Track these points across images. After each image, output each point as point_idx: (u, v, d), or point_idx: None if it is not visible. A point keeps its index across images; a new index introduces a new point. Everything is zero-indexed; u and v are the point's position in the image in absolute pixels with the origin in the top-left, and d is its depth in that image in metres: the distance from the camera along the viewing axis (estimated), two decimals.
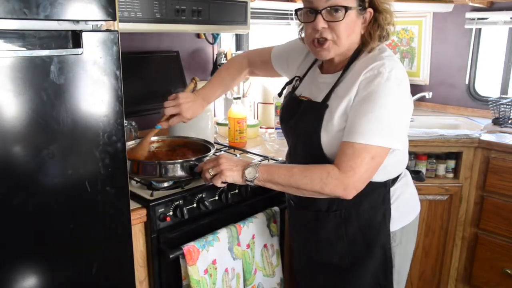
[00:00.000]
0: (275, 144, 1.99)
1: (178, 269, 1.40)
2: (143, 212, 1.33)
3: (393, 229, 1.30)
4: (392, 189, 1.29)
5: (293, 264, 1.59)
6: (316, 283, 1.44)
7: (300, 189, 1.18)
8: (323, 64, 1.32)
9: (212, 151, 1.54)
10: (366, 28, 1.20)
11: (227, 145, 2.00)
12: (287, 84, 1.43)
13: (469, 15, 2.66)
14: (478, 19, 2.65)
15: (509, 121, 2.44)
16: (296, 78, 1.39)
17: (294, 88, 1.37)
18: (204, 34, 2.22)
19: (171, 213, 1.40)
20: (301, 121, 1.27)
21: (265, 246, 1.64)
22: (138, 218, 1.31)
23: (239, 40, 2.50)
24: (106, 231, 1.19)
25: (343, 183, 1.12)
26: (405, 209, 1.34)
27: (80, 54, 1.03)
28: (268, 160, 1.76)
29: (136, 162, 1.42)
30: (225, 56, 2.24)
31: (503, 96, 2.66)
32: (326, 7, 1.14)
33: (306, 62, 1.40)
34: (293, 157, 1.36)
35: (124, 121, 1.16)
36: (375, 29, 1.19)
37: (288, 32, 2.87)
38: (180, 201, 1.42)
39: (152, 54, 2.06)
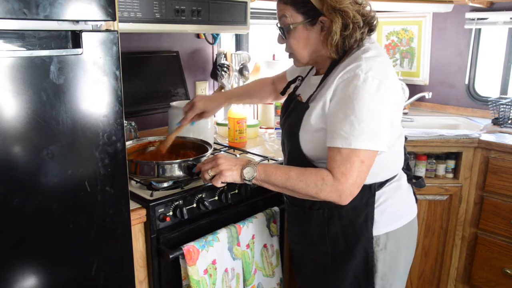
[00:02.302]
0: (274, 144, 1.99)
1: (178, 269, 1.40)
2: (143, 212, 1.33)
3: (376, 233, 1.27)
4: (378, 193, 1.26)
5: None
6: (306, 278, 1.47)
7: (295, 192, 1.19)
8: (318, 67, 1.35)
9: (210, 151, 1.54)
10: (326, 34, 1.19)
11: (227, 145, 2.00)
12: (290, 83, 1.46)
13: (469, 15, 2.66)
14: (478, 19, 2.65)
15: (509, 121, 2.44)
16: (299, 77, 1.41)
17: (295, 88, 1.40)
18: (204, 34, 2.22)
19: (170, 213, 1.40)
20: (288, 120, 1.32)
21: (264, 246, 1.64)
22: (137, 218, 1.31)
23: (239, 40, 2.50)
24: (105, 231, 1.19)
25: (337, 190, 1.12)
26: (392, 214, 1.30)
27: (80, 54, 1.03)
28: (268, 160, 1.76)
29: (134, 163, 1.42)
30: (225, 56, 2.24)
31: (503, 96, 2.66)
32: (277, 26, 1.27)
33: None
34: (283, 154, 1.41)
35: (124, 121, 1.16)
36: (331, 36, 1.17)
37: None
38: (180, 201, 1.42)
39: (152, 54, 2.06)
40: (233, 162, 1.24)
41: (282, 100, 1.51)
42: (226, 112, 2.16)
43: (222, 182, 1.23)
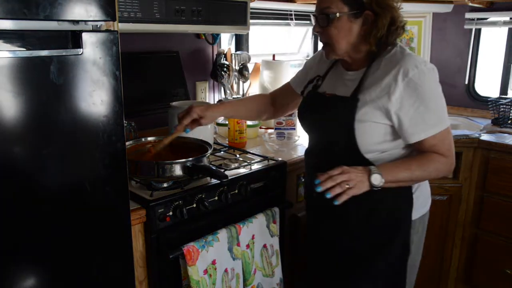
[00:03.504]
0: (274, 145, 1.99)
1: (177, 269, 1.40)
2: (143, 212, 1.33)
3: (413, 217, 1.36)
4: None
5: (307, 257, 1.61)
6: (329, 272, 1.47)
7: (417, 182, 1.31)
8: (344, 63, 1.36)
9: (210, 151, 1.54)
10: (367, 29, 1.24)
11: (227, 145, 2.00)
12: (309, 83, 1.46)
13: (469, 15, 2.67)
14: (478, 19, 2.65)
15: (509, 121, 2.44)
16: (317, 77, 1.43)
17: (316, 87, 1.42)
18: (204, 34, 2.22)
19: (170, 213, 1.40)
20: (332, 115, 1.32)
21: (264, 246, 1.64)
22: (137, 218, 1.31)
23: (239, 41, 2.50)
24: (105, 231, 1.19)
25: (449, 165, 1.28)
26: (424, 198, 1.41)
27: (80, 54, 1.03)
28: (268, 161, 1.76)
29: (134, 163, 1.42)
30: (225, 56, 2.24)
31: (503, 96, 2.66)
32: (317, 14, 1.26)
33: (323, 63, 1.45)
34: (319, 150, 1.41)
35: (124, 121, 1.16)
36: (376, 31, 1.23)
37: (288, 33, 2.88)
38: (180, 201, 1.42)
39: (152, 55, 2.06)
40: (359, 172, 1.21)
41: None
42: None
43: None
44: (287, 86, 1.64)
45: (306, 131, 1.48)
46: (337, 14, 1.22)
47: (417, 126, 1.23)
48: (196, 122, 1.47)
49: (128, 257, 1.26)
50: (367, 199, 1.28)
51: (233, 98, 2.27)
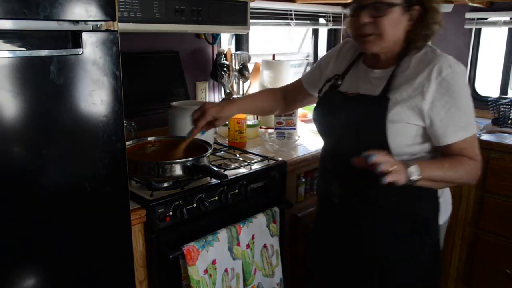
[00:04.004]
0: (275, 144, 1.99)
1: (178, 269, 1.40)
2: (143, 212, 1.33)
3: (440, 223, 1.34)
4: None
5: (316, 267, 1.55)
6: (349, 282, 1.41)
7: (448, 183, 1.26)
8: (369, 60, 1.32)
9: (210, 151, 1.54)
10: (412, 25, 1.22)
11: (227, 145, 2.00)
12: (327, 82, 1.40)
13: (469, 15, 2.67)
14: (478, 19, 2.65)
15: (509, 121, 2.44)
16: (336, 76, 1.37)
17: (335, 86, 1.36)
18: (204, 34, 2.22)
19: (171, 213, 1.40)
20: (360, 116, 1.26)
21: (264, 246, 1.64)
22: (137, 218, 1.31)
23: (239, 40, 2.50)
24: (105, 231, 1.19)
25: (478, 169, 1.24)
26: (446, 205, 1.38)
27: (80, 54, 1.03)
28: (268, 161, 1.76)
29: (134, 163, 1.42)
30: (225, 56, 2.24)
31: (503, 96, 2.66)
32: (371, 2, 1.18)
33: (341, 61, 1.41)
34: (341, 153, 1.31)
35: (124, 121, 1.16)
36: (421, 27, 1.21)
37: (288, 33, 2.88)
38: (180, 201, 1.42)
39: (152, 54, 2.06)
40: (399, 162, 1.14)
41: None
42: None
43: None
44: (299, 83, 1.59)
45: (324, 134, 1.41)
46: (394, 3, 1.17)
47: (448, 128, 1.20)
48: (211, 124, 1.45)
49: (128, 257, 1.26)
50: (396, 206, 1.26)
51: (233, 97, 2.27)
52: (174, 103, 1.89)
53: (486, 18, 2.63)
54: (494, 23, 2.62)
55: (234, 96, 2.32)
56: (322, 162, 1.44)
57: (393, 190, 1.20)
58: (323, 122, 1.39)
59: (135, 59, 1.98)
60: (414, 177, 1.12)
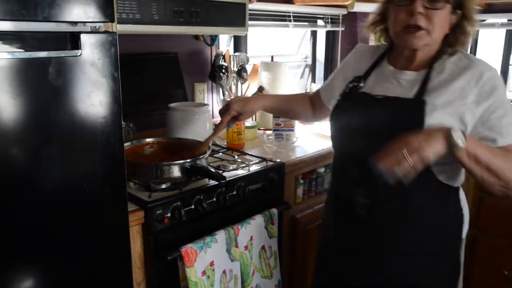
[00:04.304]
0: (273, 146, 1.99)
1: (176, 270, 1.40)
2: (141, 213, 1.33)
3: (463, 236, 1.29)
4: (461, 194, 1.27)
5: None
6: None
7: (491, 173, 1.07)
8: (398, 61, 1.26)
9: (208, 152, 1.54)
10: (450, 29, 1.19)
11: (225, 146, 2.00)
12: (349, 84, 1.31)
13: None
14: None
15: None
16: (357, 78, 1.30)
17: (357, 87, 1.28)
18: (203, 35, 2.22)
19: (169, 214, 1.40)
20: (392, 120, 1.18)
21: (263, 247, 1.65)
22: (136, 219, 1.31)
23: (237, 42, 2.50)
24: (103, 232, 1.19)
25: None
26: (467, 216, 1.30)
27: (79, 55, 1.03)
28: (267, 162, 1.76)
29: (132, 164, 1.42)
30: (223, 57, 2.25)
31: None
32: None
33: (361, 62, 1.34)
34: (365, 159, 1.15)
35: (122, 122, 1.16)
36: (459, 33, 1.19)
37: (287, 34, 2.88)
38: (178, 203, 1.42)
39: (151, 56, 2.06)
40: (427, 133, 1.05)
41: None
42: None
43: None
44: (318, 93, 1.54)
45: (345, 137, 1.30)
46: (445, 3, 1.13)
47: (495, 131, 1.12)
48: (236, 118, 1.47)
49: (126, 258, 1.26)
50: (422, 219, 1.20)
51: (224, 96, 2.27)
52: (172, 105, 1.89)
53: (484, 20, 2.64)
54: (492, 25, 2.63)
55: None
56: (343, 169, 1.30)
57: (423, 201, 1.17)
58: (345, 125, 1.29)
59: (134, 60, 1.98)
60: (460, 140, 1.00)
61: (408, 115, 1.15)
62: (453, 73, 1.17)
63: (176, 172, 1.44)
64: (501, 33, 2.66)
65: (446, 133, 1.02)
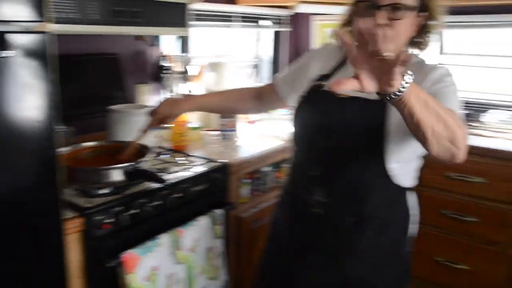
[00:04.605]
0: (217, 147, 2.00)
1: (117, 278, 1.37)
2: (79, 221, 1.29)
3: (414, 235, 1.33)
4: (413, 195, 1.31)
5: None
6: None
7: (443, 122, 0.97)
8: None
9: (150, 155, 1.53)
10: (415, 32, 1.19)
11: (169, 148, 1.98)
12: (314, 82, 1.30)
13: None
14: None
15: None
16: (321, 76, 1.29)
17: (321, 86, 1.27)
18: (144, 36, 2.18)
19: (109, 220, 1.36)
20: (355, 119, 1.19)
21: (208, 249, 1.65)
22: (74, 227, 1.27)
23: (182, 42, 2.48)
24: (38, 242, 1.14)
25: (465, 139, 1.02)
26: (418, 214, 1.33)
27: (9, 57, 0.98)
28: (210, 163, 1.76)
29: (70, 169, 1.37)
30: (167, 58, 2.22)
31: None
32: (389, 4, 1.12)
33: (325, 62, 1.33)
34: (326, 158, 1.22)
35: (61, 126, 1.12)
36: (424, 35, 1.19)
37: (231, 35, 2.89)
38: (119, 208, 1.39)
39: (91, 57, 2.00)
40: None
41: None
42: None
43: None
44: (271, 86, 1.49)
45: (307, 135, 1.29)
46: (412, 6, 1.13)
47: (441, 98, 1.08)
48: (164, 120, 1.44)
49: (63, 269, 1.21)
50: (379, 217, 1.23)
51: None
52: (113, 107, 1.84)
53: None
54: None
55: (177, 86, 2.28)
56: (302, 168, 1.30)
57: (379, 201, 1.20)
58: (307, 125, 1.28)
59: (73, 61, 1.91)
60: (407, 79, 0.89)
61: (372, 115, 1.16)
62: (415, 77, 1.18)
63: (117, 176, 1.41)
64: None
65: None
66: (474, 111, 2.53)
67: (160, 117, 1.44)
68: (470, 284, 2.31)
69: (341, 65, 1.30)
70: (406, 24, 1.14)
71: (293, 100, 1.38)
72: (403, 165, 1.20)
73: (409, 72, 0.90)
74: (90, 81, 1.99)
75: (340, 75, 1.27)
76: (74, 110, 1.90)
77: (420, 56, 1.25)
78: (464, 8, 2.49)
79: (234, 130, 2.09)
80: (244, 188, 1.95)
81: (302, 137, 1.31)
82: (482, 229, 2.24)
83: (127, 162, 1.46)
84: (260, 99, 1.53)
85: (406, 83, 0.89)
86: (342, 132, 1.19)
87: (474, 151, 2.23)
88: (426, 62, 1.22)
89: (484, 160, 2.17)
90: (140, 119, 1.81)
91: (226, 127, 2.08)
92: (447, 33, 2.81)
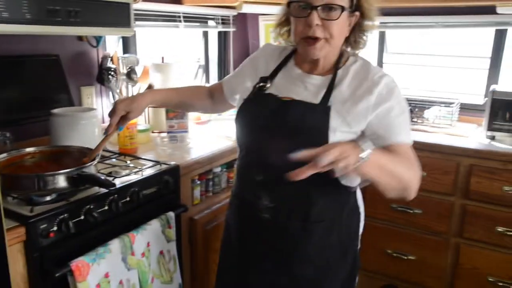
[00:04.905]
0: (167, 148, 1.96)
1: (69, 287, 1.31)
2: (22, 230, 1.22)
3: (360, 231, 1.36)
4: (358, 193, 1.34)
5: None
6: None
7: (393, 180, 1.11)
8: (304, 64, 1.27)
9: (97, 159, 1.47)
10: (349, 32, 1.21)
11: (117, 152, 1.92)
12: (256, 85, 1.30)
13: None
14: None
15: None
16: (263, 78, 1.29)
17: (263, 88, 1.27)
18: (86, 36, 2.10)
19: (55, 228, 1.30)
20: (298, 123, 1.18)
21: (161, 253, 1.61)
22: (15, 237, 1.20)
23: (126, 43, 2.42)
24: None
25: (419, 182, 1.18)
26: (363, 211, 1.38)
27: None
28: (160, 165, 1.72)
29: (9, 177, 1.30)
30: (111, 59, 2.15)
31: None
32: (323, 4, 1.13)
33: (267, 64, 1.33)
34: (270, 162, 1.21)
35: None
36: (359, 34, 1.21)
37: (177, 35, 2.85)
38: (65, 215, 1.32)
39: (28, 58, 1.90)
40: (343, 144, 1.03)
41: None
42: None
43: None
44: (220, 86, 1.50)
45: (250, 140, 1.28)
46: (344, 7, 1.14)
47: (395, 128, 1.17)
48: (126, 118, 1.38)
49: (7, 281, 1.15)
50: (325, 219, 1.24)
51: (113, 97, 2.18)
52: (55, 110, 1.76)
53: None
54: None
55: (124, 88, 2.22)
56: (247, 172, 1.30)
57: (325, 203, 1.22)
58: (250, 128, 1.27)
59: (7, 63, 1.81)
60: (365, 153, 1.00)
61: (314, 120, 1.17)
62: (354, 80, 1.20)
63: (61, 182, 1.35)
64: (374, 34, 2.92)
65: (356, 151, 1.01)
66: (416, 107, 2.64)
67: (122, 114, 1.38)
68: (419, 273, 2.41)
69: (281, 66, 1.31)
70: (339, 25, 1.16)
71: (237, 101, 1.39)
72: None
73: (364, 148, 1.00)
74: (28, 83, 1.89)
75: (280, 77, 1.29)
76: (11, 114, 1.80)
77: (363, 57, 1.27)
78: (405, 9, 2.61)
79: (186, 131, 2.06)
80: (197, 190, 1.93)
81: (245, 140, 1.31)
82: (427, 220, 2.35)
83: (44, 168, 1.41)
84: (213, 97, 1.54)
85: (362, 158, 0.99)
86: (285, 136, 1.19)
87: (416, 146, 2.34)
88: (371, 66, 1.24)
89: (426, 154, 2.27)
90: (85, 122, 1.76)
91: (177, 128, 2.05)
92: (391, 33, 2.93)
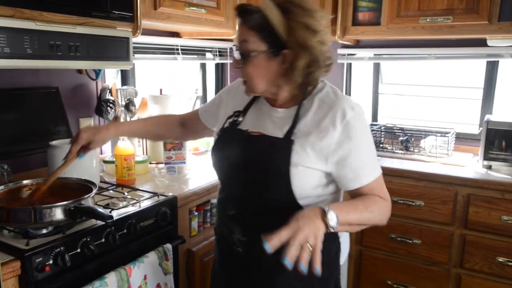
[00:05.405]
0: (165, 180, 1.96)
1: None
2: (17, 264, 1.20)
3: (341, 263, 1.34)
4: None
5: None
6: None
7: (363, 226, 1.18)
8: (271, 98, 1.26)
9: (94, 191, 1.47)
10: (288, 68, 1.16)
11: (115, 183, 1.92)
12: (228, 118, 1.32)
13: (340, 51, 2.94)
14: (348, 55, 2.94)
15: (380, 145, 2.71)
16: (237, 112, 1.30)
17: (236, 123, 1.29)
18: (86, 69, 2.14)
19: (51, 261, 1.28)
20: (263, 158, 1.18)
21: (158, 286, 1.59)
22: (10, 272, 1.18)
23: (125, 75, 2.45)
24: None
25: (389, 209, 1.21)
26: (346, 243, 1.37)
27: None
28: (158, 197, 1.72)
29: (5, 210, 1.29)
30: (110, 91, 2.18)
31: (374, 123, 2.95)
32: (235, 49, 1.17)
33: (242, 96, 1.31)
34: (242, 196, 1.23)
35: None
36: (288, 70, 1.15)
37: (176, 67, 2.90)
38: (61, 248, 1.31)
39: (27, 91, 1.92)
40: (310, 218, 1.02)
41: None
42: (113, 149, 2.07)
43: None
44: (196, 115, 1.51)
45: (224, 175, 1.31)
46: (252, 54, 1.14)
47: (358, 171, 1.16)
48: (87, 148, 1.39)
49: None
50: None
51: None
52: (53, 142, 1.77)
53: (354, 54, 2.93)
54: (361, 58, 2.92)
55: (122, 119, 2.24)
56: (222, 206, 1.32)
57: None
58: (222, 163, 1.28)
59: (7, 96, 1.83)
60: (333, 223, 1.04)
61: (277, 153, 1.16)
62: (320, 110, 1.17)
63: (58, 214, 1.34)
64: (370, 65, 2.98)
65: (323, 219, 1.03)
66: (412, 137, 2.66)
67: (81, 144, 1.38)
68: None
69: (253, 100, 1.32)
70: (256, 67, 1.16)
71: (210, 120, 1.45)
72: (317, 200, 1.19)
73: (329, 217, 1.03)
74: (27, 115, 1.90)
75: (252, 111, 1.30)
76: (9, 146, 1.80)
77: (331, 85, 1.24)
78: (398, 41, 2.67)
79: (184, 162, 2.07)
80: (194, 221, 1.92)
81: (220, 175, 1.33)
82: (427, 250, 2.32)
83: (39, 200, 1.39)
84: (185, 126, 1.56)
85: (331, 226, 1.04)
86: (254, 171, 1.19)
87: (414, 175, 2.38)
88: (338, 94, 1.21)
89: (423, 184, 2.28)
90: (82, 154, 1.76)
91: (175, 159, 2.06)
92: (386, 64, 2.99)
